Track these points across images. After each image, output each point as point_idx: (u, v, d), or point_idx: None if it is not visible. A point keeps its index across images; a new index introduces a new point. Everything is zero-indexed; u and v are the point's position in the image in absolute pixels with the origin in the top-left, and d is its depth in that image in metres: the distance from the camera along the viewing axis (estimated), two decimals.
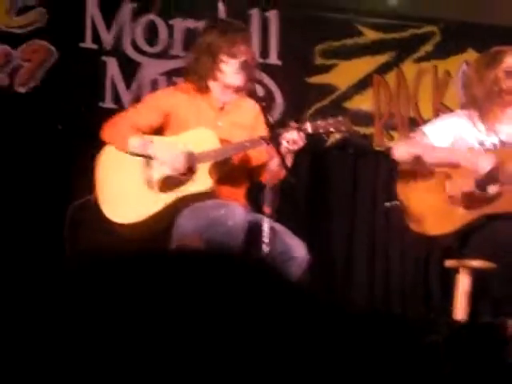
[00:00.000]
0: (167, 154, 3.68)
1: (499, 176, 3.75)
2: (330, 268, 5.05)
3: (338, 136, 4.95)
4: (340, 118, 3.64)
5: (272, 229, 3.44)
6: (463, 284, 3.75)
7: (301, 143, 3.54)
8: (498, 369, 2.61)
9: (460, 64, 5.22)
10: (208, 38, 3.78)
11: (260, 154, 3.71)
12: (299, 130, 3.55)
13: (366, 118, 5.17)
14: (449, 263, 3.81)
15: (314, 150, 4.96)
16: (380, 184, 5.12)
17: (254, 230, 3.55)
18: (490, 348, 2.82)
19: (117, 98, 4.85)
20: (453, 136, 3.85)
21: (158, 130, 3.80)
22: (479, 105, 3.85)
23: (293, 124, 3.57)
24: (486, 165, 3.72)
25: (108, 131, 3.77)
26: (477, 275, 3.74)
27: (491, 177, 3.77)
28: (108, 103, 4.83)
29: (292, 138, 3.52)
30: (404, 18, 5.26)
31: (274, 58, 5.06)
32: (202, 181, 3.67)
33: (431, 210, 3.83)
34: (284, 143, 3.52)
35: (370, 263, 5.12)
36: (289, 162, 3.60)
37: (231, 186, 3.79)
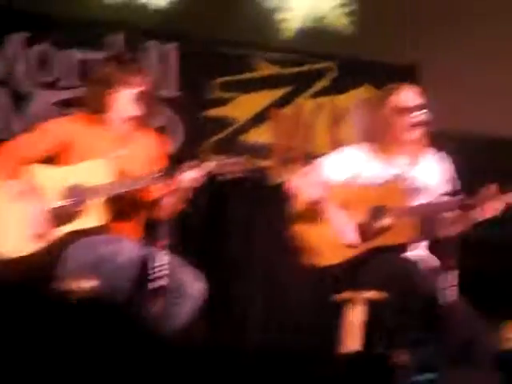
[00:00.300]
0: (59, 187, 3.61)
1: (389, 210, 3.83)
2: (226, 301, 5.04)
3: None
4: (237, 160, 3.64)
5: (167, 263, 3.42)
6: (356, 315, 3.79)
7: (201, 180, 3.54)
8: None
9: (356, 99, 5.33)
10: (103, 68, 3.76)
11: (158, 188, 3.68)
12: (200, 168, 3.54)
13: (263, 152, 5.21)
14: (341, 295, 3.85)
15: (211, 184, 4.96)
16: (276, 217, 5.15)
17: (147, 264, 3.51)
18: (381, 379, 2.86)
19: (7, 129, 4.75)
20: (350, 169, 3.92)
21: (50, 160, 3.72)
22: (374, 139, 3.93)
23: (193, 163, 3.57)
24: (351, 240, 3.81)
25: None
26: (369, 306, 3.79)
27: (381, 211, 3.84)
28: None
29: (192, 176, 3.52)
30: (301, 53, 5.34)
31: (173, 90, 5.06)
32: (95, 216, 3.60)
33: (324, 242, 3.88)
34: (184, 179, 3.51)
35: (266, 294, 5.13)
36: (188, 196, 3.59)
37: (125, 220, 3.74)
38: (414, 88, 3.98)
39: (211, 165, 3.56)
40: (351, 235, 3.82)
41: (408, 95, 3.90)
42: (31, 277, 3.55)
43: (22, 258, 3.59)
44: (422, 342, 2.94)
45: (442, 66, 5.26)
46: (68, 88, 4.85)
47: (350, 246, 3.82)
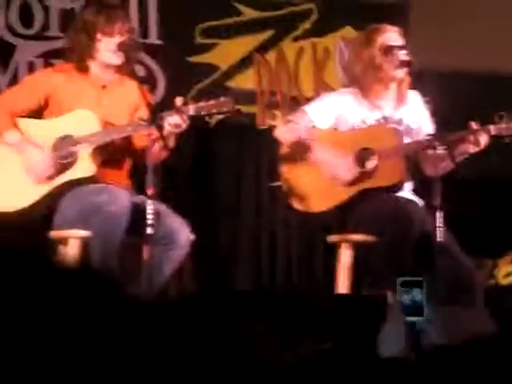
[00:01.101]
0: (37, 159, 3.60)
1: (376, 152, 3.84)
2: (216, 247, 5.07)
3: (220, 116, 4.96)
4: (222, 99, 3.64)
5: (155, 211, 3.43)
6: (345, 258, 3.82)
7: (183, 126, 3.53)
8: (375, 341, 2.67)
9: (338, 41, 5.29)
10: (84, 16, 3.74)
11: (142, 136, 3.68)
12: (181, 112, 3.53)
13: (248, 97, 5.19)
14: (331, 238, 3.88)
15: (197, 131, 4.95)
16: (264, 163, 5.16)
17: (137, 211, 3.53)
18: (370, 320, 2.89)
19: None
20: (335, 115, 3.91)
21: (38, 112, 3.72)
22: (359, 82, 3.92)
23: (175, 107, 3.56)
24: (345, 176, 3.80)
25: None
26: (358, 249, 3.82)
27: (368, 153, 3.85)
28: None
29: (174, 122, 3.50)
30: None
31: (153, 38, 5.02)
32: (84, 166, 3.62)
33: (313, 188, 3.89)
34: (166, 126, 3.50)
35: (256, 241, 5.17)
36: (171, 143, 3.59)
37: (114, 168, 3.76)
38: (397, 28, 3.96)
39: (193, 107, 3.55)
40: (344, 171, 3.82)
41: (393, 35, 3.89)
42: (28, 229, 3.57)
43: (16, 211, 3.61)
44: (412, 283, 2.96)
45: (429, 4, 5.22)
46: (52, 39, 4.81)
47: (345, 184, 3.82)
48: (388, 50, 3.84)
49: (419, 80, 3.90)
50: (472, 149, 3.73)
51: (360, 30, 4.26)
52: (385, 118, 3.93)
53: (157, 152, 3.54)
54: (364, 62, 3.88)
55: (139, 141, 3.74)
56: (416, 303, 2.94)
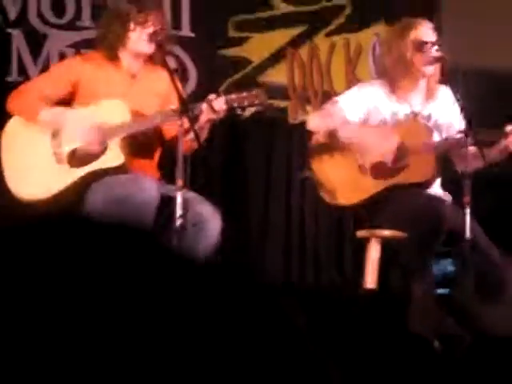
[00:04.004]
0: (79, 128, 3.61)
1: (406, 148, 3.81)
2: (246, 236, 5.07)
3: (252, 109, 4.95)
4: (254, 91, 3.63)
5: (185, 200, 3.43)
6: (374, 253, 3.80)
7: (216, 117, 3.52)
8: (402, 335, 2.65)
9: (371, 37, 5.27)
10: (118, 5, 3.74)
11: (173, 127, 3.67)
12: (211, 105, 3.52)
13: (280, 92, 5.18)
14: (360, 233, 3.86)
15: (229, 123, 4.95)
16: (294, 156, 5.15)
17: (167, 202, 3.53)
18: (398, 315, 2.86)
19: (23, 72, 4.74)
20: (366, 106, 3.89)
21: (67, 101, 3.72)
22: (390, 76, 3.89)
23: (207, 98, 3.55)
24: (390, 147, 3.77)
25: (14, 102, 3.68)
26: (387, 245, 3.80)
27: (399, 149, 3.82)
28: (14, 77, 4.73)
29: (207, 113, 3.50)
30: None
31: (186, 31, 5.02)
32: (114, 155, 3.62)
33: (342, 181, 3.87)
34: (199, 115, 3.50)
35: (285, 232, 5.16)
36: (204, 134, 3.58)
37: (143, 158, 3.76)
38: (430, 23, 3.93)
39: (224, 99, 3.54)
40: (388, 133, 3.79)
41: (426, 30, 3.85)
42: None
43: (44, 200, 3.62)
44: (441, 254, 2.89)
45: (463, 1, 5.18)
46: (83, 29, 4.82)
47: (389, 161, 3.76)
48: (420, 45, 3.80)
49: (450, 76, 3.86)
50: (505, 151, 3.70)
51: (393, 26, 4.23)
52: (414, 113, 3.91)
53: (187, 143, 3.54)
54: (395, 56, 3.85)
55: (169, 132, 3.74)
56: (447, 274, 2.89)
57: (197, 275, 0.67)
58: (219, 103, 3.53)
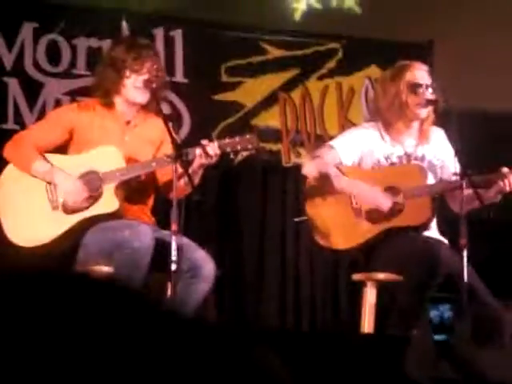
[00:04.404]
0: (68, 185, 3.63)
1: (401, 191, 3.82)
2: (241, 282, 5.06)
3: (245, 153, 4.98)
4: (247, 136, 3.65)
5: (179, 246, 3.42)
6: (370, 297, 3.79)
7: (208, 162, 3.54)
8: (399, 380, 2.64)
9: (363, 80, 5.31)
10: (113, 52, 3.76)
11: (166, 172, 3.69)
12: (204, 150, 3.54)
13: (273, 135, 5.21)
14: (356, 276, 3.85)
15: (222, 168, 4.97)
16: (289, 200, 5.16)
17: (161, 247, 3.53)
18: (395, 360, 2.85)
19: (19, 119, 4.76)
20: (360, 149, 3.90)
21: (63, 147, 3.74)
22: (383, 117, 3.91)
23: (201, 143, 3.57)
24: (385, 203, 3.78)
25: (9, 151, 3.72)
26: (383, 288, 3.79)
27: (393, 192, 3.83)
28: (10, 125, 4.75)
29: (200, 158, 3.52)
30: (306, 36, 5.32)
31: (179, 77, 5.06)
32: (108, 202, 3.63)
33: (337, 225, 3.87)
34: (192, 161, 3.52)
35: (281, 277, 5.15)
36: (196, 179, 3.60)
37: (137, 204, 3.77)
38: (425, 66, 3.96)
39: (217, 144, 3.56)
40: (384, 199, 3.78)
41: (421, 72, 3.88)
42: (50, 265, 3.57)
43: (39, 246, 3.62)
44: (440, 299, 2.88)
45: (454, 44, 5.22)
46: (78, 76, 4.85)
47: (385, 210, 3.77)
48: (415, 87, 3.83)
49: (444, 118, 3.89)
50: (501, 192, 3.71)
51: (385, 69, 4.26)
52: (407, 155, 3.92)
53: (181, 188, 3.55)
54: (390, 97, 3.87)
55: (163, 177, 3.75)
56: (444, 320, 2.89)
57: (178, 334, 0.68)
58: (213, 148, 3.55)
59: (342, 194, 3.87)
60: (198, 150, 3.54)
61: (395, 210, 3.81)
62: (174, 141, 3.56)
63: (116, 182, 3.64)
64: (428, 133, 3.94)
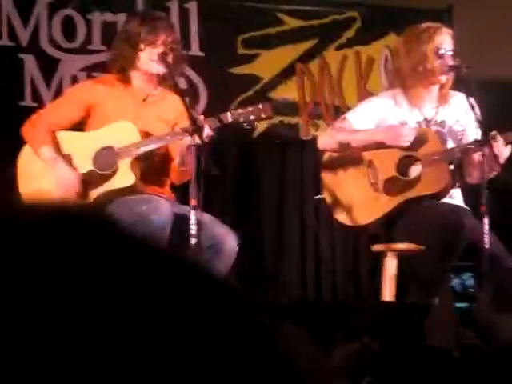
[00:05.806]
0: (64, 178, 3.66)
1: (419, 158, 3.77)
2: (261, 256, 5.05)
3: (263, 126, 4.94)
4: (260, 105, 3.60)
5: (199, 221, 3.41)
6: (390, 267, 3.77)
7: (210, 133, 3.49)
8: (420, 350, 2.62)
9: (382, 49, 5.24)
10: (128, 26, 3.75)
11: (182, 145, 3.66)
12: (220, 120, 3.51)
13: (291, 108, 5.16)
14: (376, 247, 3.82)
15: (240, 141, 4.94)
16: (307, 173, 5.13)
17: (180, 222, 3.52)
18: (416, 328, 2.83)
19: (37, 96, 4.76)
20: (375, 119, 3.85)
21: (80, 124, 3.76)
22: (403, 79, 3.82)
23: (212, 117, 3.55)
24: (407, 136, 3.72)
25: (25, 131, 3.78)
26: (403, 258, 3.76)
27: (411, 160, 3.79)
28: (28, 102, 4.75)
29: (211, 131, 3.50)
30: (324, 5, 5.25)
31: (195, 50, 5.02)
32: (124, 177, 3.63)
33: (356, 200, 3.83)
34: (205, 133, 3.49)
35: (301, 250, 5.13)
36: (211, 151, 3.59)
37: (155, 179, 3.76)
38: (450, 30, 3.87)
39: (231, 114, 3.54)
40: (405, 130, 3.73)
41: (446, 37, 3.79)
42: None
43: None
44: (462, 268, 2.85)
45: (475, 10, 5.15)
46: (94, 52, 4.83)
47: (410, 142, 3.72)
48: (440, 52, 3.74)
49: (465, 85, 3.82)
50: None
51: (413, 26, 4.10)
52: (426, 120, 3.85)
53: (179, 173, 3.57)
54: (414, 61, 3.75)
55: (176, 154, 3.73)
56: (467, 288, 2.86)
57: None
58: (225, 118, 3.53)
59: (359, 168, 3.82)
60: (207, 126, 3.49)
61: (412, 180, 3.77)
62: (190, 115, 3.53)
63: (131, 157, 3.63)
64: (448, 96, 3.86)
